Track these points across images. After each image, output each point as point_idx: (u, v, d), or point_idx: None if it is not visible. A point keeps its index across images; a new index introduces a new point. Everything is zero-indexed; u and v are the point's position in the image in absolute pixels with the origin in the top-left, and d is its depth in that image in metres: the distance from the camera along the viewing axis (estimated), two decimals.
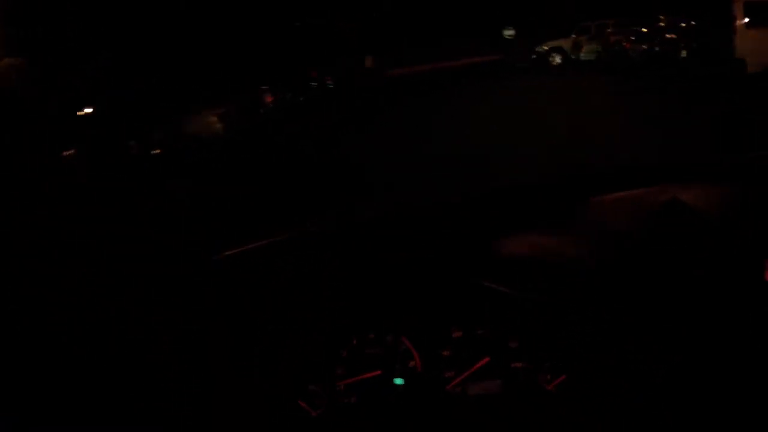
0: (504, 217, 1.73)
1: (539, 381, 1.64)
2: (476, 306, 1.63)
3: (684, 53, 18.58)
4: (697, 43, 17.75)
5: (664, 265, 1.67)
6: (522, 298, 1.61)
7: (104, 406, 1.58)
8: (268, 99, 16.87)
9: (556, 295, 1.63)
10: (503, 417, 1.60)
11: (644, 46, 20.60)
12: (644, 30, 21.28)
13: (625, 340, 1.67)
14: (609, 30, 24.06)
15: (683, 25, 19.37)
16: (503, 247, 1.65)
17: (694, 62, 17.03)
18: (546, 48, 24.58)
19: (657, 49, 19.71)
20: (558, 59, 24.24)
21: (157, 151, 11.46)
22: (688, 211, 1.71)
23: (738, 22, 13.85)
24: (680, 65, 17.42)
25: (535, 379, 1.65)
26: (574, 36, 24.40)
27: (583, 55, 23.92)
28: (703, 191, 1.76)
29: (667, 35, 19.90)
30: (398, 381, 1.64)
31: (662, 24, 20.31)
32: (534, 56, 24.58)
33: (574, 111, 11.06)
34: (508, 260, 1.66)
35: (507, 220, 1.71)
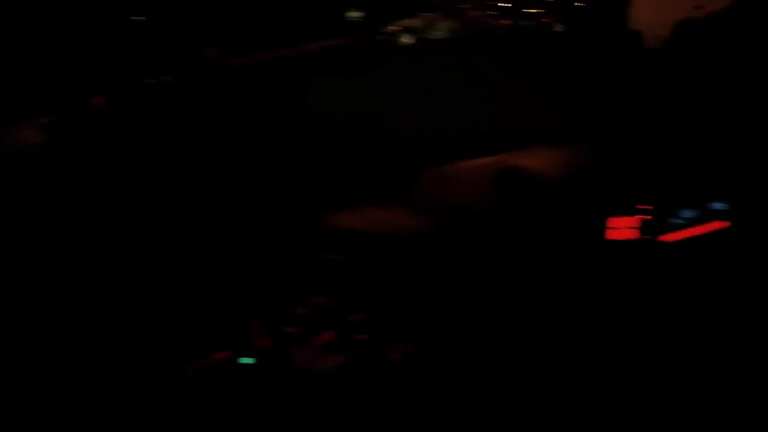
0: (341, 192, 1.75)
1: (385, 352, 1.70)
2: (318, 281, 1.65)
3: (560, 27, 17.04)
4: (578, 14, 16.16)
5: (503, 231, 1.70)
6: (356, 267, 1.63)
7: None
8: (99, 101, 15.22)
9: (386, 263, 1.66)
10: (354, 390, 1.61)
11: (509, 22, 20.23)
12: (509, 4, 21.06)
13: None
14: (465, 5, 24.33)
15: None
16: (342, 222, 1.67)
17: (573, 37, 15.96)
18: (394, 28, 24.67)
19: (526, 23, 19.09)
20: (408, 39, 24.18)
21: None
22: (525, 176, 1.74)
23: None
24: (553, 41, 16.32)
25: (381, 350, 1.70)
26: (425, 13, 24.80)
27: (436, 33, 23.77)
28: (544, 156, 1.78)
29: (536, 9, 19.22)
30: (248, 360, 1.69)
31: None
32: (382, 37, 24.82)
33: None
34: (345, 233, 1.68)
35: (347, 196, 1.73)
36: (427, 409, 1.70)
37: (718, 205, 1.74)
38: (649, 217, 1.73)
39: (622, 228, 1.72)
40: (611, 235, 1.71)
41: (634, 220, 1.71)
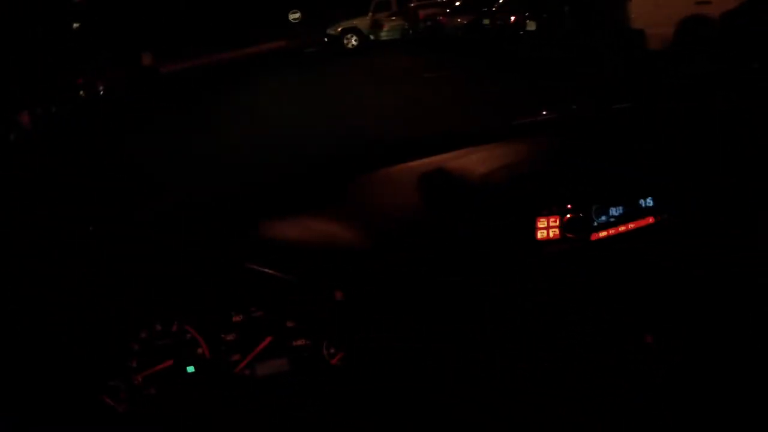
0: (274, 201, 1.77)
1: (322, 356, 1.73)
2: (251, 289, 1.70)
3: (532, 25, 13.00)
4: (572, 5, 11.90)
5: (434, 234, 1.72)
6: (289, 280, 1.69)
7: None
8: (24, 119, 14.17)
9: (321, 276, 1.72)
10: (293, 394, 1.69)
11: (464, 20, 16.59)
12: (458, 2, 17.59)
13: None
14: (413, 4, 20.54)
15: None
16: (272, 231, 1.68)
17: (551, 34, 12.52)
18: (339, 29, 21.62)
19: (488, 21, 15.27)
20: (354, 41, 21.49)
21: None
22: (454, 178, 1.76)
23: None
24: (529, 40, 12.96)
25: (318, 354, 1.73)
26: (371, 14, 21.66)
27: (384, 34, 21.02)
28: (473, 157, 1.80)
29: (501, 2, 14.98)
30: (190, 369, 1.70)
31: None
32: (326, 39, 21.80)
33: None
34: (278, 244, 1.73)
35: (277, 204, 1.75)
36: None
37: (647, 202, 1.78)
38: (578, 214, 1.81)
39: (550, 227, 1.81)
40: (540, 235, 1.75)
41: (561, 219, 1.80)
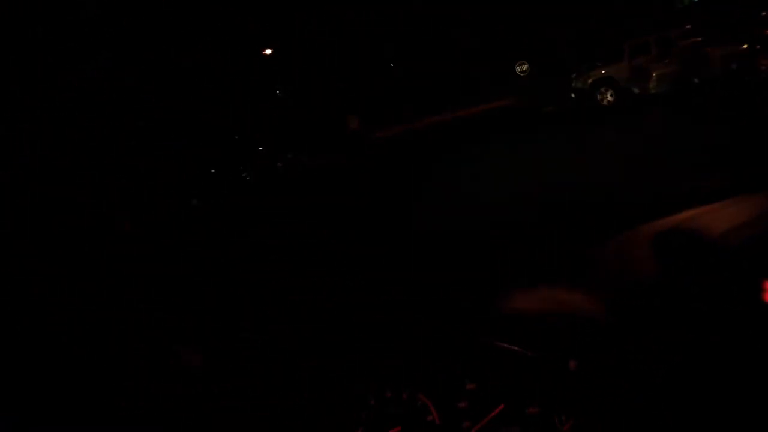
0: (514, 268, 1.74)
1: (553, 424, 1.64)
2: (488, 362, 1.63)
3: None
4: None
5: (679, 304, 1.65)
6: (533, 357, 1.61)
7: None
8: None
9: (567, 354, 1.63)
10: None
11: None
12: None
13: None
14: (692, 39, 14.80)
15: None
16: (513, 303, 1.65)
17: None
18: (590, 81, 16.37)
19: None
20: (609, 96, 16.12)
21: None
22: (692, 237, 1.69)
23: None
24: None
25: (549, 423, 1.69)
26: (627, 59, 16.03)
27: (654, 86, 15.17)
28: (700, 217, 1.75)
29: None
30: None
31: None
32: (572, 94, 16.86)
33: None
34: (518, 317, 1.66)
35: (517, 272, 1.72)
36: None
37: None
38: None
39: None
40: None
41: None
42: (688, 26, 14.87)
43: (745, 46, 12.73)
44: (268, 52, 22.26)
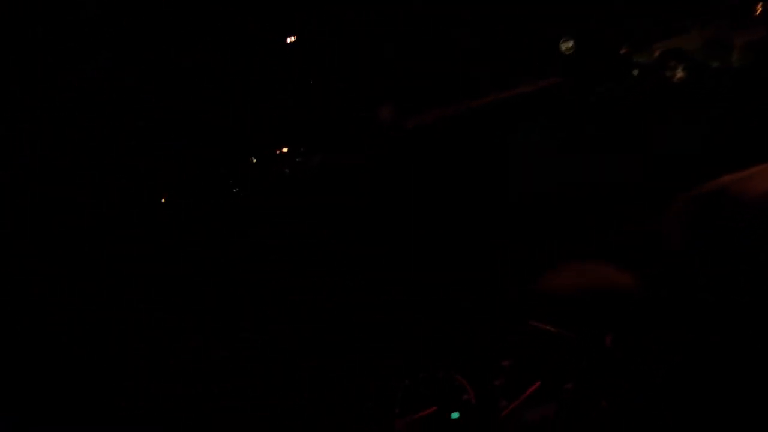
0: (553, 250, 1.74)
1: (590, 401, 1.64)
2: (523, 339, 1.64)
3: None
4: None
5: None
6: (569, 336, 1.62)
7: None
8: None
9: (604, 329, 1.63)
10: None
11: None
12: None
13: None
14: None
15: None
16: (547, 280, 1.65)
17: None
18: (656, 54, 8.73)
19: None
20: (680, 72, 8.78)
21: None
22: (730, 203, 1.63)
23: None
24: None
25: (587, 398, 1.65)
26: (701, 26, 8.21)
27: (737, 57, 8.02)
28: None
29: None
30: (454, 415, 1.75)
31: None
32: (635, 71, 8.91)
33: None
34: (552, 294, 1.66)
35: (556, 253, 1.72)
36: None
37: None
38: None
39: None
40: None
41: None
42: None
43: None
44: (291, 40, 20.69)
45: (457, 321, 1.77)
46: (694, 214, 1.69)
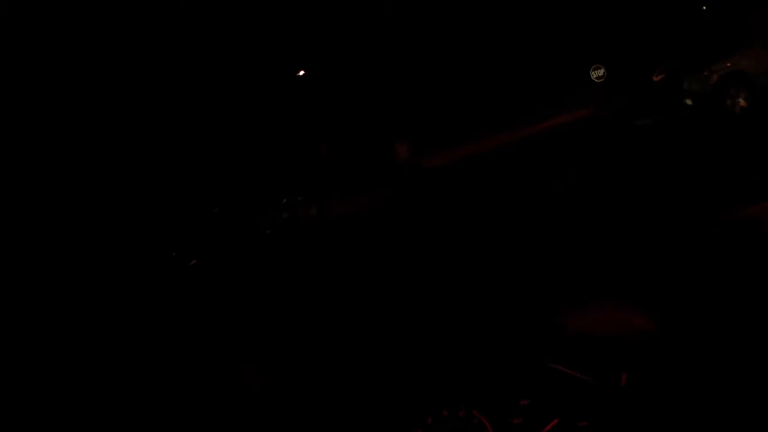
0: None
1: None
2: (543, 379, 1.81)
3: None
4: None
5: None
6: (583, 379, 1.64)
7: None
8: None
9: (619, 368, 1.64)
10: None
11: None
12: None
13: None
14: None
15: None
16: (566, 321, 1.67)
17: None
18: (715, 78, 11.13)
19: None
20: (743, 100, 11.04)
21: None
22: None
23: None
24: None
25: None
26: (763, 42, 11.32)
27: None
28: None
29: None
30: None
31: None
32: (687, 100, 11.80)
33: None
34: (571, 335, 1.69)
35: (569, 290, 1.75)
36: None
37: None
38: None
39: None
40: None
41: None
42: None
43: None
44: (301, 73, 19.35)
45: (477, 359, 1.79)
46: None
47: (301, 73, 19.01)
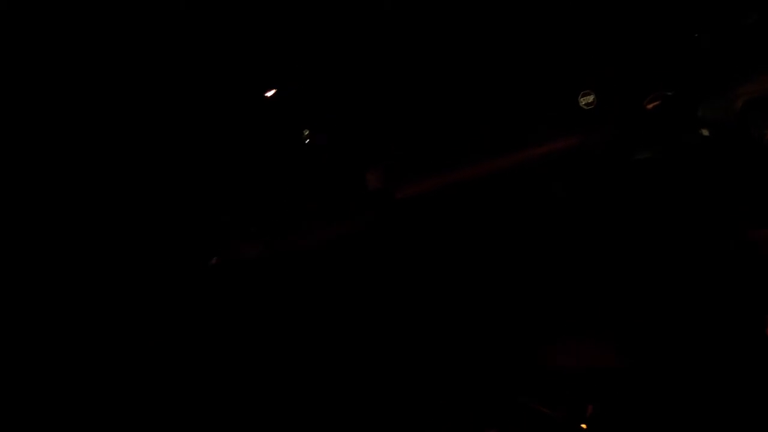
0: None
1: None
2: (512, 412, 1.66)
3: None
4: None
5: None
6: (552, 416, 1.65)
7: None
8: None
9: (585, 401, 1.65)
10: None
11: None
12: None
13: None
14: None
15: None
16: (552, 359, 1.69)
17: None
18: (739, 105, 4.31)
19: None
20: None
21: None
22: None
23: None
24: None
25: None
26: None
27: None
28: None
29: None
30: None
31: None
32: (704, 130, 4.42)
33: None
34: (556, 373, 1.70)
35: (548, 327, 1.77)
36: None
37: None
38: None
39: None
40: None
41: None
42: None
43: None
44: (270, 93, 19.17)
45: (449, 390, 1.80)
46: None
47: (270, 93, 19.41)
